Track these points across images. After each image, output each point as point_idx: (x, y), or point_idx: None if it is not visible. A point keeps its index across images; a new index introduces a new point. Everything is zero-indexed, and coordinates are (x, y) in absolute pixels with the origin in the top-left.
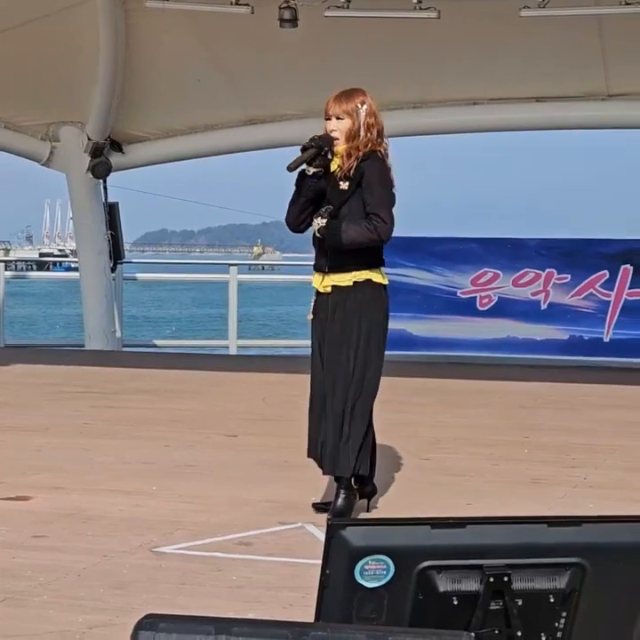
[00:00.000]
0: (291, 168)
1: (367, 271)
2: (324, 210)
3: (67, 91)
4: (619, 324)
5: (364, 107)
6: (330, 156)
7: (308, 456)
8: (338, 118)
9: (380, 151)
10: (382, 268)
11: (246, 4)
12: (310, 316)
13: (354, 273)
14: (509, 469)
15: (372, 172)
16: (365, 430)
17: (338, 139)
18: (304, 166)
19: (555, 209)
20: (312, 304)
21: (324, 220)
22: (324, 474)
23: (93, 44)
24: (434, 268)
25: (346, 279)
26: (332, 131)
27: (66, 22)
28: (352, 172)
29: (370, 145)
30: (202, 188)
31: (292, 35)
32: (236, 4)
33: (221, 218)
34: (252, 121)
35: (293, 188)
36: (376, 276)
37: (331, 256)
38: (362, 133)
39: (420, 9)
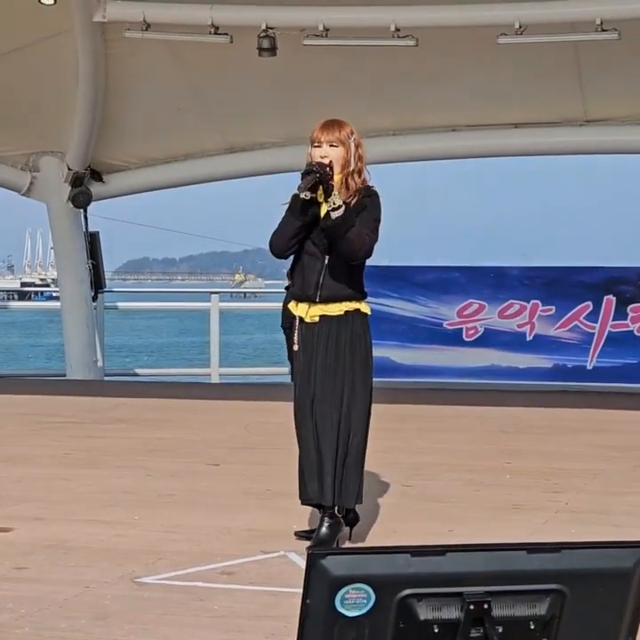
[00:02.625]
0: (303, 192)
1: (356, 302)
2: (336, 194)
3: (46, 121)
4: (602, 353)
5: (354, 136)
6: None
7: (306, 499)
8: (331, 145)
9: (367, 185)
10: (366, 299)
11: (225, 34)
12: (296, 347)
13: (345, 303)
14: (491, 495)
15: (373, 208)
16: (363, 459)
17: (331, 165)
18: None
19: (535, 234)
20: (297, 334)
21: (341, 202)
22: (326, 505)
23: (73, 73)
24: (417, 298)
25: (337, 309)
26: (323, 157)
27: (45, 52)
28: (353, 203)
29: (362, 177)
30: (183, 216)
31: (271, 63)
32: (215, 33)
33: (203, 246)
34: (232, 149)
35: (284, 212)
36: (363, 307)
37: (323, 285)
38: (352, 163)
39: (398, 37)
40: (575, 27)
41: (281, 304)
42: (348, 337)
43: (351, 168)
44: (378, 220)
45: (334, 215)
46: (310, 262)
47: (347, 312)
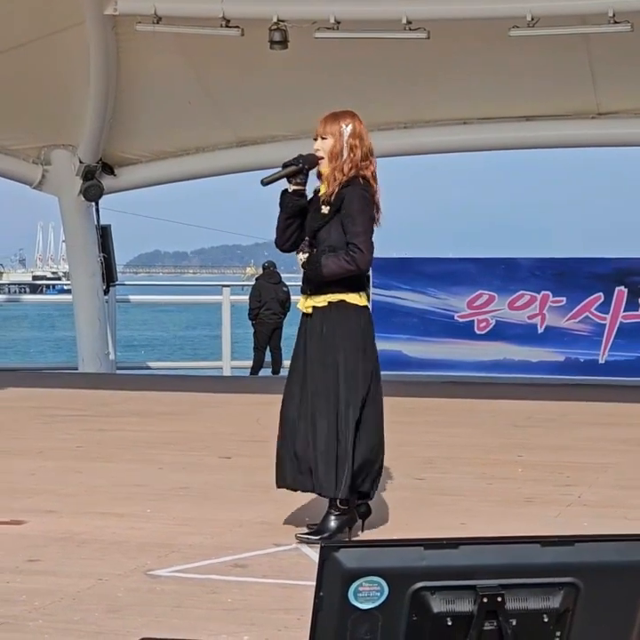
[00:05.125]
0: (264, 182)
1: (344, 294)
2: (304, 244)
3: (58, 114)
4: (614, 346)
5: (348, 128)
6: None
7: (281, 484)
8: (323, 138)
9: (362, 177)
10: (363, 292)
11: (236, 27)
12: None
13: (330, 294)
14: (503, 488)
15: (351, 199)
16: (348, 450)
17: (323, 157)
18: (288, 183)
19: (549, 226)
20: (299, 325)
21: (305, 255)
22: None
23: (84, 67)
24: (428, 289)
25: (323, 300)
26: (316, 150)
27: (57, 46)
28: (333, 197)
29: (354, 167)
30: (194, 209)
31: (282, 56)
32: (227, 26)
33: (214, 239)
34: (243, 142)
35: (279, 207)
36: (351, 298)
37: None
38: (345, 154)
39: (410, 29)
40: (587, 19)
41: (293, 297)
42: (332, 327)
43: (342, 159)
44: (361, 212)
45: (302, 266)
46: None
47: (330, 303)
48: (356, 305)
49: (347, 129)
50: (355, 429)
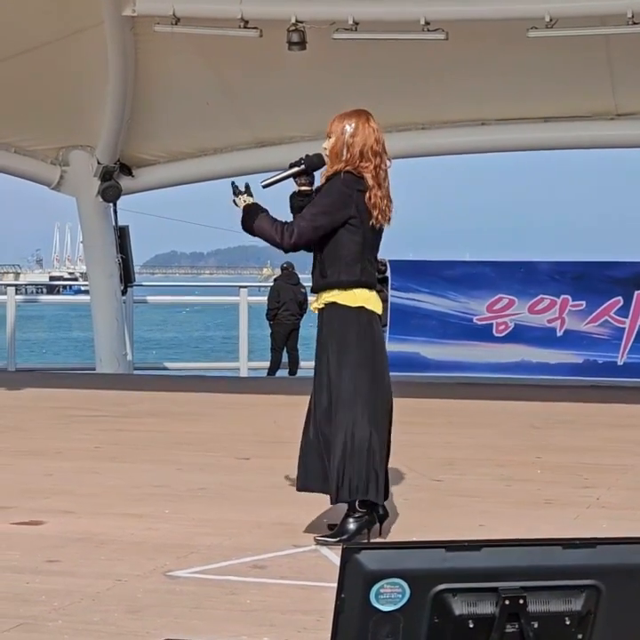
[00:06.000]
0: (263, 185)
1: (336, 291)
2: (248, 187)
3: (76, 115)
4: (633, 348)
5: (350, 126)
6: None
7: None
8: (328, 137)
9: (350, 172)
10: (362, 288)
11: (255, 28)
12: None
13: (323, 294)
14: (522, 490)
15: (324, 187)
16: (344, 454)
17: (327, 156)
18: (295, 186)
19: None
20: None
21: (250, 198)
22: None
23: (102, 68)
24: (447, 293)
25: (321, 301)
26: (324, 149)
27: (75, 47)
28: (315, 194)
29: (348, 164)
30: (211, 210)
31: (301, 57)
32: (245, 27)
33: (231, 240)
34: (261, 143)
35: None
36: (343, 298)
37: (313, 277)
38: (344, 153)
39: (428, 31)
40: (606, 20)
41: (310, 297)
42: (328, 331)
43: (343, 158)
44: (322, 205)
45: (236, 205)
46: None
47: (326, 305)
48: (348, 306)
49: (348, 128)
50: (369, 434)
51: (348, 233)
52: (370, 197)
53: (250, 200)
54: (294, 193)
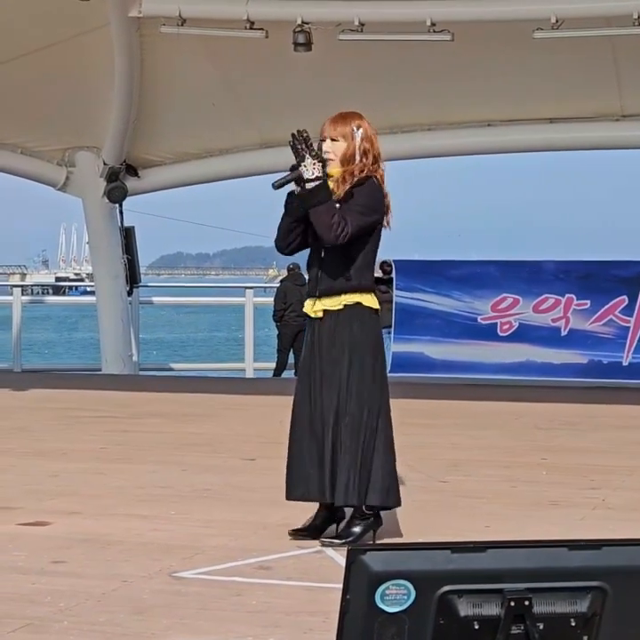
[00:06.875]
0: (275, 186)
1: (358, 294)
2: (319, 149)
3: (82, 116)
4: (638, 348)
5: (360, 131)
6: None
7: (293, 496)
8: (333, 140)
9: (376, 177)
10: (372, 294)
11: (261, 29)
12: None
13: (343, 296)
14: (527, 491)
15: (363, 190)
16: (359, 457)
17: (332, 159)
18: (294, 186)
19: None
20: (306, 331)
21: (320, 172)
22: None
23: (108, 69)
24: (452, 292)
25: (337, 303)
26: (326, 152)
27: (81, 48)
28: (344, 195)
29: (365, 171)
30: (217, 211)
31: (306, 58)
32: (251, 28)
33: (236, 240)
34: (267, 144)
35: (283, 208)
36: (366, 300)
37: (321, 279)
38: (357, 158)
39: (434, 32)
40: (612, 21)
41: None
42: (348, 333)
43: (355, 163)
44: (364, 206)
45: (308, 186)
46: (311, 258)
47: (346, 306)
48: (371, 308)
49: (358, 132)
50: (374, 437)
51: (371, 237)
52: (387, 202)
53: (319, 171)
54: (294, 194)
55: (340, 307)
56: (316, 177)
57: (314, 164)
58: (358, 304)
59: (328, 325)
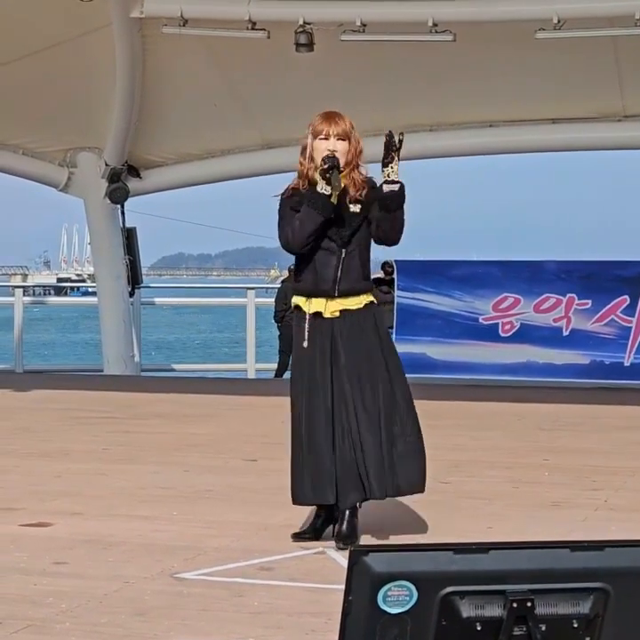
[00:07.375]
0: (337, 188)
1: (371, 293)
2: (393, 170)
3: (84, 117)
4: None
5: (354, 130)
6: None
7: (313, 500)
8: (339, 139)
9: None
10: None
11: (262, 29)
12: (305, 344)
13: (362, 296)
14: (529, 492)
15: (379, 190)
16: (421, 443)
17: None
18: (324, 184)
19: (575, 229)
20: (307, 330)
21: (398, 185)
22: (374, 498)
23: (110, 70)
24: (453, 292)
25: (356, 302)
26: (332, 150)
27: (83, 49)
28: (364, 194)
29: (365, 170)
30: (219, 212)
31: (308, 58)
32: (253, 28)
33: (238, 241)
34: (269, 145)
35: (293, 209)
36: (374, 297)
37: (341, 280)
38: (359, 158)
39: (436, 32)
40: (614, 21)
41: None
42: (373, 330)
43: (358, 162)
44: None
45: (391, 188)
46: (325, 257)
47: (366, 305)
48: (376, 304)
49: (354, 131)
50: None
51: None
52: None
53: (397, 180)
54: (320, 193)
55: (361, 305)
56: (398, 180)
57: (396, 167)
58: (372, 302)
59: (350, 322)
